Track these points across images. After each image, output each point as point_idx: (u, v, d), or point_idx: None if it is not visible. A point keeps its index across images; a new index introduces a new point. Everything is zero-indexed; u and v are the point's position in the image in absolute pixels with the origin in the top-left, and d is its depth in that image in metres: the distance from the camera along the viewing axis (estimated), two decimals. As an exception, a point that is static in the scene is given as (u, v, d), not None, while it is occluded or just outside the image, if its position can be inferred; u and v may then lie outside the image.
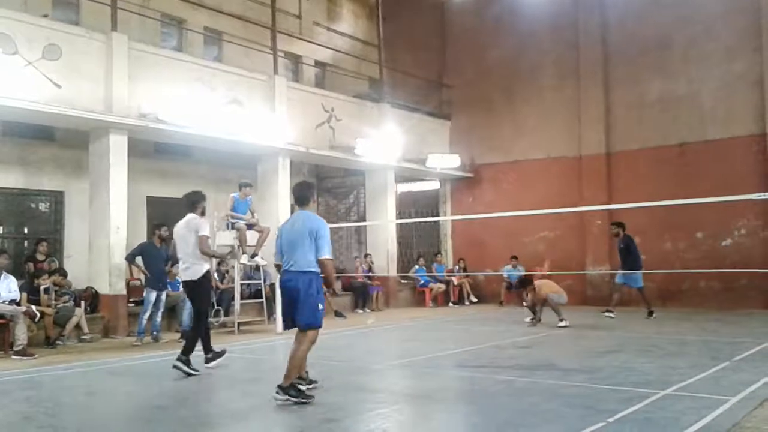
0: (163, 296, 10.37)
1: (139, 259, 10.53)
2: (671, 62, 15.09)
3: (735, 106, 14.34)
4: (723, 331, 10.27)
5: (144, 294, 10.22)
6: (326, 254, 5.62)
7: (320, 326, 5.72)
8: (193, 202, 7.71)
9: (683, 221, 13.24)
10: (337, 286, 6.32)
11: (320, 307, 5.69)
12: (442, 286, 16.74)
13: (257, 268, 12.18)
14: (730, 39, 14.47)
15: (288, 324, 5.92)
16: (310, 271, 5.64)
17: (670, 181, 14.38)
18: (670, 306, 13.86)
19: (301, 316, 5.64)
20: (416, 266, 16.77)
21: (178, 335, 10.59)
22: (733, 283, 13.94)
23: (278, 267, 5.97)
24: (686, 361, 7.44)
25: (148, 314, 10.08)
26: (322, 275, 5.70)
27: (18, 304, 9.10)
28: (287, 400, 5.51)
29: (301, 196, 6.06)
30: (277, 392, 5.55)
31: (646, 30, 15.43)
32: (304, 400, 5.52)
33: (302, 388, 5.67)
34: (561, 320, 11.24)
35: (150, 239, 10.36)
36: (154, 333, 10.27)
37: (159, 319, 10.34)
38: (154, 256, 10.23)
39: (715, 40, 14.61)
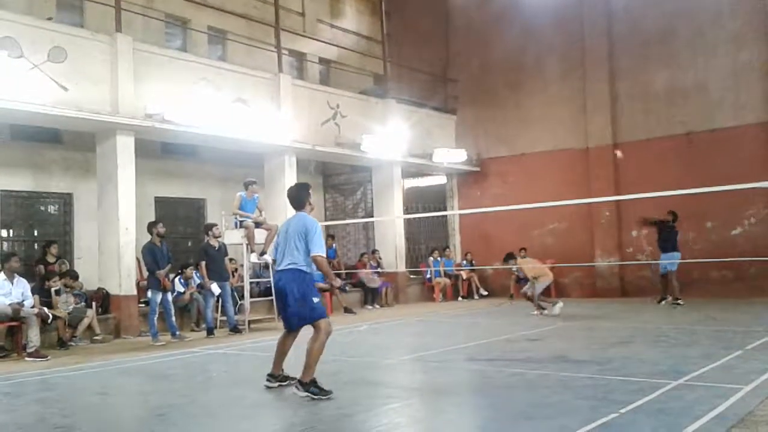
0: (169, 296, 10.37)
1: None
2: (677, 52, 15.00)
3: (743, 94, 14.25)
4: (734, 321, 10.22)
5: (149, 295, 10.20)
6: (316, 251, 5.70)
7: (325, 316, 5.78)
8: None
9: (692, 211, 13.18)
10: (337, 282, 6.56)
11: (315, 300, 5.76)
12: (447, 281, 16.75)
13: (266, 266, 12.21)
14: (737, 27, 14.37)
15: (285, 324, 6.05)
16: (298, 270, 5.74)
17: (678, 170, 14.31)
18: (681, 296, 13.79)
19: (300, 315, 5.77)
20: (431, 258, 16.82)
21: (205, 334, 10.70)
22: (743, 273, 13.87)
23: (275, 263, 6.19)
24: (698, 351, 7.41)
25: (156, 315, 10.09)
26: (318, 271, 5.83)
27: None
28: (307, 396, 5.53)
29: (294, 199, 6.17)
30: (296, 387, 5.61)
31: (651, 20, 15.34)
32: (324, 397, 5.52)
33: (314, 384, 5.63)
34: (551, 306, 11.65)
35: (151, 240, 10.28)
36: (177, 333, 10.30)
37: (173, 319, 10.37)
38: (158, 257, 10.16)
39: (721, 28, 14.52)
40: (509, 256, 12.46)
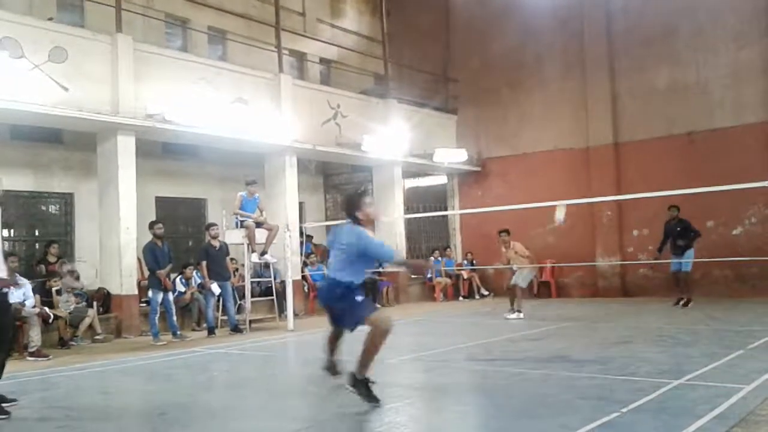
0: (170, 296, 10.38)
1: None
2: (678, 50, 14.99)
3: (744, 94, 14.24)
4: (736, 320, 10.21)
5: (150, 295, 10.22)
6: (386, 258, 5.42)
7: (372, 311, 5.39)
8: None
9: (693, 210, 13.16)
10: (428, 264, 5.76)
11: (358, 299, 5.38)
12: (448, 280, 16.75)
13: (267, 265, 12.22)
14: (738, 25, 14.36)
15: (331, 320, 5.75)
16: (340, 282, 5.39)
17: (679, 170, 14.29)
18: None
19: (350, 315, 5.42)
20: (432, 258, 16.80)
21: (206, 333, 10.71)
22: (744, 272, 13.86)
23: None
24: (699, 351, 7.41)
25: (157, 315, 10.10)
26: (405, 269, 5.42)
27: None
28: (353, 391, 5.27)
29: (348, 214, 5.63)
30: (347, 380, 5.34)
31: (651, 18, 15.33)
32: (367, 402, 5.19)
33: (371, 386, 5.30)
34: (514, 311, 11.46)
35: (152, 240, 10.29)
36: (178, 333, 10.30)
37: (174, 318, 10.38)
38: (160, 256, 10.16)
39: (722, 27, 14.50)
40: (505, 231, 12.10)
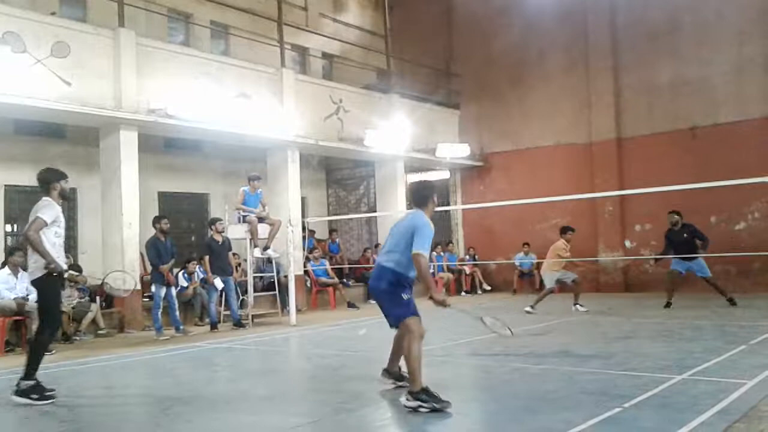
0: (173, 291, 10.40)
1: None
2: (681, 46, 14.94)
3: (747, 89, 14.19)
4: (738, 315, 10.20)
5: (153, 290, 10.22)
6: (418, 248, 5.14)
7: (414, 314, 5.23)
8: (46, 182, 6.58)
9: (696, 206, 13.15)
10: (439, 296, 5.45)
11: (404, 297, 5.27)
12: (450, 276, 16.74)
13: (269, 260, 12.24)
14: (741, 21, 14.31)
15: (390, 322, 5.53)
16: (392, 270, 5.30)
17: (682, 165, 14.25)
18: (684, 291, 13.76)
19: (389, 312, 5.36)
20: (434, 253, 16.78)
21: (209, 328, 10.75)
22: (747, 267, 13.85)
23: None
24: (702, 346, 7.40)
25: (160, 310, 10.11)
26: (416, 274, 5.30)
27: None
28: (419, 406, 4.87)
29: (415, 193, 5.66)
30: (406, 399, 4.96)
31: (655, 13, 15.28)
32: (438, 406, 4.85)
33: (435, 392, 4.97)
34: (532, 307, 11.43)
35: (155, 235, 10.29)
36: (181, 328, 10.33)
37: (177, 313, 10.41)
38: (162, 251, 10.18)
39: (725, 22, 14.45)
40: (568, 229, 11.83)
